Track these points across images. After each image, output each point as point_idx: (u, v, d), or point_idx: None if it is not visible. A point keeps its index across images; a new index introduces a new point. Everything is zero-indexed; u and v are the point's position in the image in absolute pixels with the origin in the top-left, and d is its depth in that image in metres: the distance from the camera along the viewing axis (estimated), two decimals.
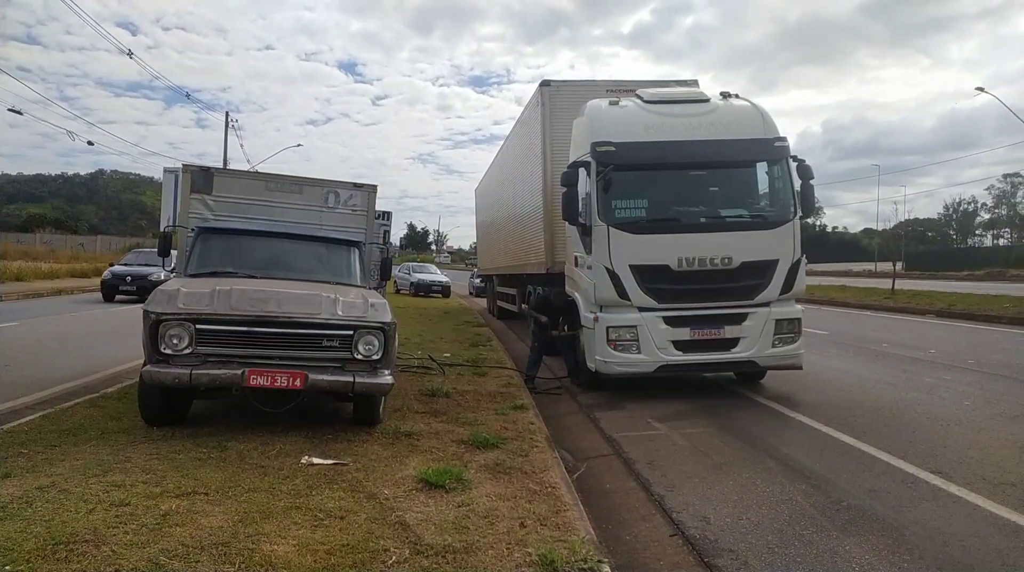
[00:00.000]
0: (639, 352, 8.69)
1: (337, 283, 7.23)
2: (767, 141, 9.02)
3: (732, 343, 8.77)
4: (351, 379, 5.93)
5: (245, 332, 5.81)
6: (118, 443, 5.63)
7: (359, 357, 6.04)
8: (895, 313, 21.89)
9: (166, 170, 15.40)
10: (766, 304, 8.81)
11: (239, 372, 5.69)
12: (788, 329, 8.87)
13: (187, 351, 5.70)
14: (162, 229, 7.93)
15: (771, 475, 5.73)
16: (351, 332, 6.02)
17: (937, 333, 16.00)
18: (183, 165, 8.23)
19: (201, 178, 8.12)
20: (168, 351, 5.68)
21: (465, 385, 9.24)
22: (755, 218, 8.98)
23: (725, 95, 9.75)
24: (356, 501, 4.57)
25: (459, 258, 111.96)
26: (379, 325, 6.10)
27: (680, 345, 8.73)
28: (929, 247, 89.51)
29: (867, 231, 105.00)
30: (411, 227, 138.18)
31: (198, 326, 5.71)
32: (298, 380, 5.79)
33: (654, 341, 8.66)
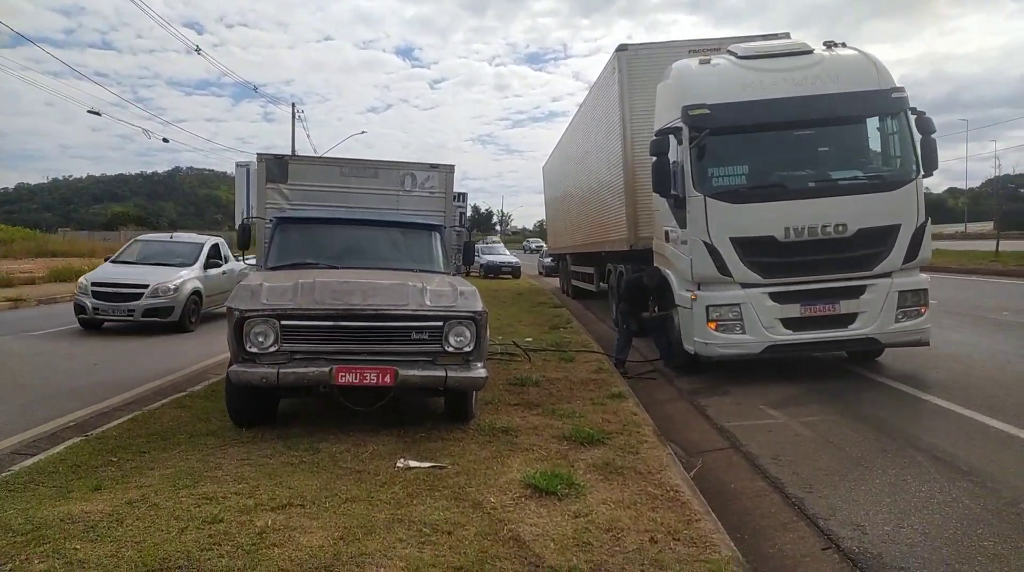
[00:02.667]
0: (743, 332, 7.99)
1: (420, 270, 6.81)
2: (883, 92, 8.10)
3: (849, 319, 7.97)
4: (443, 374, 5.50)
5: (331, 327, 5.44)
6: (208, 447, 5.35)
7: (450, 350, 5.60)
8: (1005, 277, 20.26)
9: (238, 164, 15.47)
10: (887, 274, 7.96)
11: (327, 369, 5.33)
12: (913, 301, 8.01)
13: (273, 349, 5.37)
14: (239, 222, 7.67)
15: (922, 471, 5.02)
16: (441, 323, 5.58)
17: None
18: (257, 154, 7.95)
19: (276, 167, 7.81)
20: (254, 349, 5.36)
21: (553, 372, 8.74)
22: (872, 179, 8.11)
23: (829, 44, 8.83)
24: (462, 511, 4.13)
25: (517, 238, 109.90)
26: (470, 315, 5.64)
27: (789, 323, 7.99)
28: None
29: (952, 191, 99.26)
30: (475, 209, 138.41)
31: (283, 322, 5.37)
32: (388, 376, 5.39)
33: (760, 320, 7.94)
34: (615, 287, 13.77)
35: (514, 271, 33.09)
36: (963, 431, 5.94)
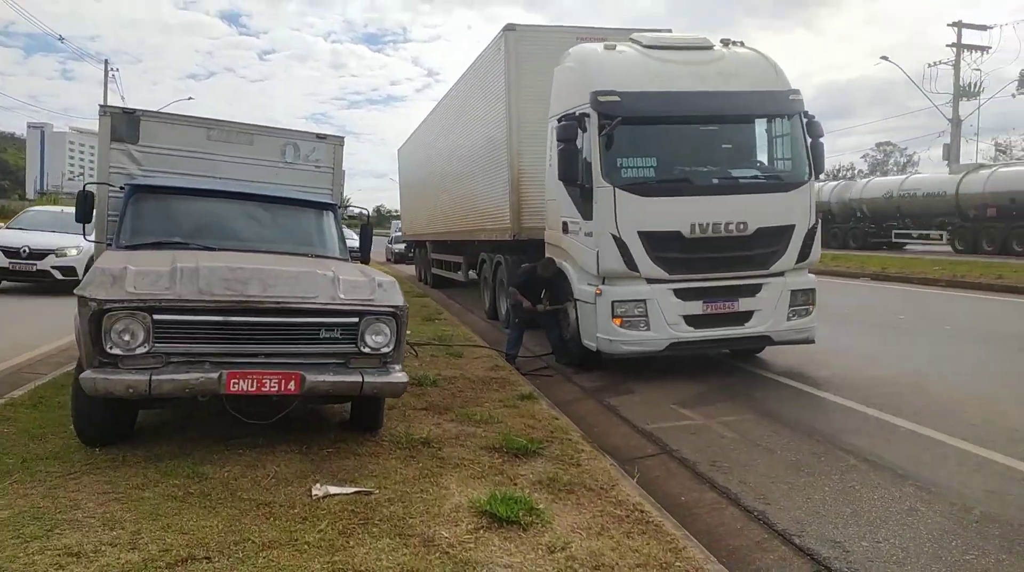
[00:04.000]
0: (648, 329, 7.75)
1: (315, 256, 5.87)
2: (782, 94, 8.17)
3: (746, 317, 7.98)
4: (359, 379, 4.67)
5: (220, 323, 4.42)
6: (53, 476, 4.16)
7: (366, 351, 4.78)
8: (825, 276, 21.90)
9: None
10: (780, 274, 8.05)
11: (215, 376, 4.31)
12: (803, 301, 8.16)
13: (142, 350, 4.26)
14: (82, 188, 6.24)
15: (863, 476, 4.92)
16: (356, 319, 4.74)
17: (873, 296, 16.03)
18: (101, 106, 6.55)
19: (124, 124, 6.49)
20: (116, 351, 4.22)
21: (447, 369, 8.07)
22: (770, 179, 8.15)
23: (726, 42, 8.81)
24: (414, 553, 3.40)
25: (355, 222, 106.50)
26: (390, 310, 4.84)
27: (692, 320, 7.85)
28: None
29: None
30: None
31: (156, 317, 4.27)
32: (292, 383, 4.48)
33: (664, 316, 7.74)
34: (490, 278, 13.28)
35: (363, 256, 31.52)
36: (877, 431, 5.99)
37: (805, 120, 8.23)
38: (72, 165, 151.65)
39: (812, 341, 8.32)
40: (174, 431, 5.16)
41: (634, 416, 6.60)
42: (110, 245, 6.20)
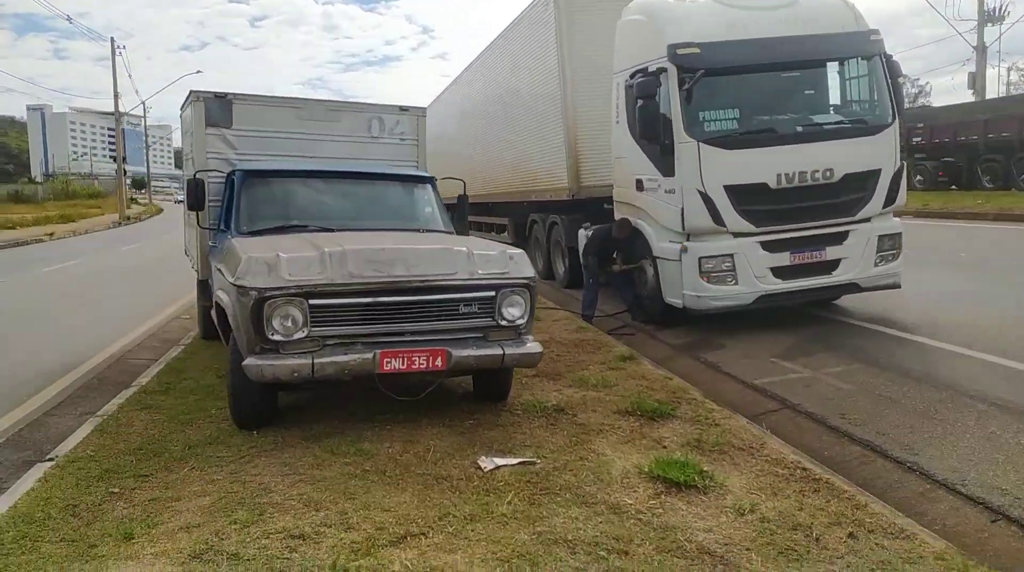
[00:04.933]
0: (736, 282, 7.75)
1: (425, 230, 5.90)
2: (862, 35, 7.99)
3: (834, 265, 7.95)
4: (500, 352, 4.74)
5: (369, 304, 4.48)
6: (225, 461, 4.28)
7: (503, 323, 4.83)
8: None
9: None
10: (867, 219, 7.99)
11: (370, 356, 4.40)
12: (890, 246, 8.11)
13: (300, 335, 4.34)
14: (192, 175, 6.23)
15: (999, 421, 4.94)
16: (493, 293, 4.78)
17: (924, 234, 15.89)
18: (192, 92, 6.52)
19: (218, 108, 6.47)
20: (277, 337, 4.30)
21: (535, 334, 8.10)
22: (855, 124, 8.03)
23: None
24: (609, 521, 3.50)
25: None
26: (524, 281, 4.89)
27: (779, 272, 7.83)
28: None
29: None
30: None
31: (312, 301, 4.33)
32: (439, 359, 4.56)
33: (752, 269, 7.73)
34: (543, 239, 13.26)
35: None
36: (988, 374, 6.00)
37: (885, 60, 8.07)
38: (75, 146, 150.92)
39: (899, 286, 8.29)
40: (315, 411, 5.26)
41: (739, 372, 6.64)
42: (218, 230, 6.26)
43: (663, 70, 7.75)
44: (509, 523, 3.45)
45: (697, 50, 7.58)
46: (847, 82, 8.24)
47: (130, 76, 58.47)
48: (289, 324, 4.30)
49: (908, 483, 4.24)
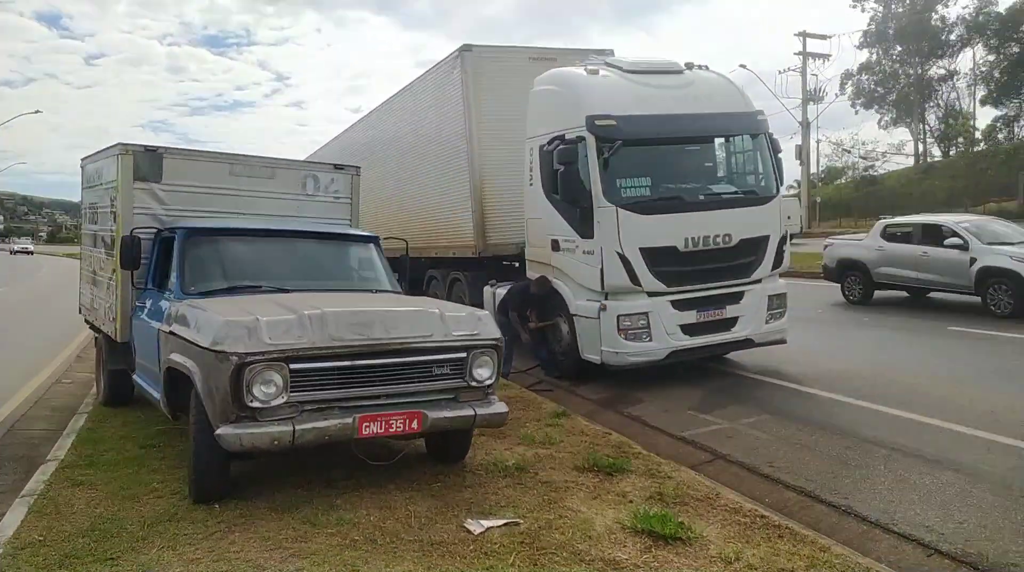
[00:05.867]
0: (651, 339, 8.26)
1: (377, 291, 5.91)
2: (751, 114, 8.95)
3: (732, 322, 8.67)
4: (472, 412, 4.85)
5: (348, 367, 4.44)
6: (195, 537, 4.04)
7: (474, 384, 4.94)
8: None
9: None
10: (758, 281, 8.81)
11: (350, 420, 4.36)
12: (778, 304, 8.97)
13: (279, 401, 4.22)
14: (125, 233, 5.86)
15: (904, 465, 5.60)
16: (465, 354, 4.88)
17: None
18: (120, 145, 6.18)
19: (147, 162, 6.19)
20: (256, 404, 4.16)
21: None
22: (747, 194, 8.89)
23: (690, 66, 9.48)
24: None
25: None
26: (493, 342, 5.04)
27: (687, 329, 8.44)
28: None
29: None
30: None
31: (292, 366, 4.24)
32: (415, 421, 4.60)
33: (664, 326, 8.28)
34: (443, 297, 13.34)
35: None
36: (880, 421, 6.75)
37: (769, 138, 9.06)
38: None
39: (785, 341, 9.15)
40: (269, 480, 5.05)
41: (664, 424, 7.05)
42: (144, 290, 5.93)
43: (581, 138, 8.26)
44: None
45: (613, 122, 8.16)
46: (739, 156, 9.14)
47: None
48: (270, 390, 4.18)
49: (847, 525, 4.72)
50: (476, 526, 4.24)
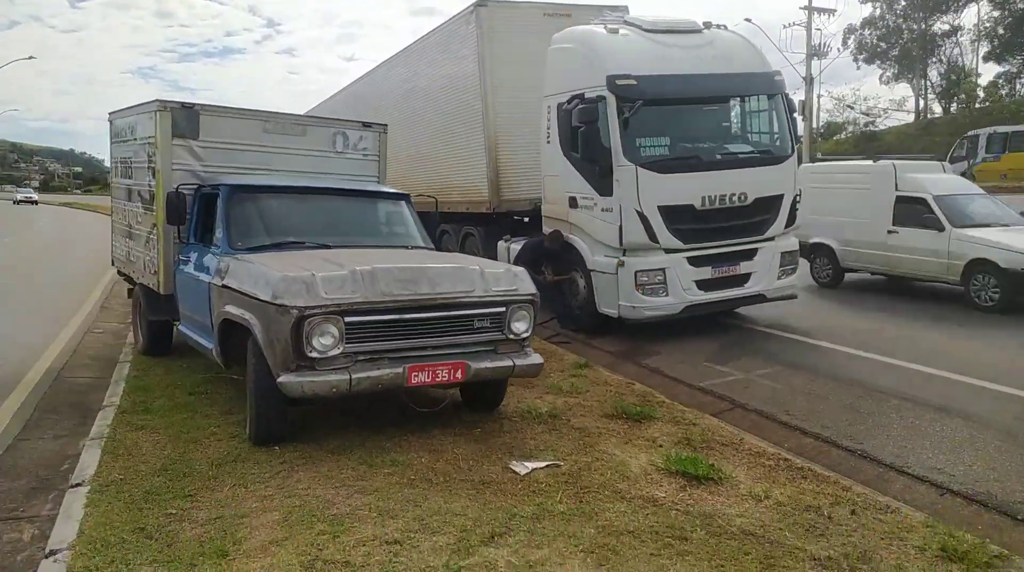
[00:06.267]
0: (667, 294, 8.52)
1: (412, 247, 6.13)
2: (768, 75, 9.06)
3: (746, 278, 8.92)
4: (511, 363, 5.12)
5: (397, 320, 4.70)
6: (262, 477, 4.35)
7: (511, 337, 5.20)
8: None
9: None
10: (772, 238, 9.04)
11: (400, 370, 4.63)
12: (790, 261, 9.22)
13: (336, 351, 4.48)
14: (170, 189, 6.04)
15: (915, 413, 5.90)
16: (504, 309, 5.14)
17: None
18: (158, 102, 6.31)
19: (185, 119, 6.34)
20: (314, 354, 4.43)
21: None
22: (764, 153, 9.05)
23: (708, 25, 9.54)
24: (654, 513, 3.98)
25: None
26: (529, 298, 5.28)
27: (702, 284, 8.69)
28: None
29: None
30: None
31: (347, 319, 4.49)
32: (459, 371, 4.87)
33: (680, 282, 8.54)
34: (455, 251, 13.55)
35: None
36: (889, 372, 7.07)
37: (785, 98, 9.19)
38: None
39: (796, 297, 9.44)
40: (322, 427, 5.32)
41: (682, 375, 7.36)
42: (187, 245, 6.15)
43: (602, 98, 8.37)
44: (571, 520, 3.84)
45: (634, 81, 8.27)
46: (756, 116, 9.28)
47: None
48: (327, 341, 4.44)
49: (864, 468, 5.05)
50: (521, 467, 4.55)
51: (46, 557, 3.38)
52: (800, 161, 9.67)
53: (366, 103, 18.18)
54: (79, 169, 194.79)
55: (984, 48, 53.20)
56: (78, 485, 4.20)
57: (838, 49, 56.85)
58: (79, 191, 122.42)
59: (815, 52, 48.87)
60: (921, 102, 61.02)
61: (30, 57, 59.64)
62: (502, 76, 11.10)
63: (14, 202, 62.65)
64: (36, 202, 64.14)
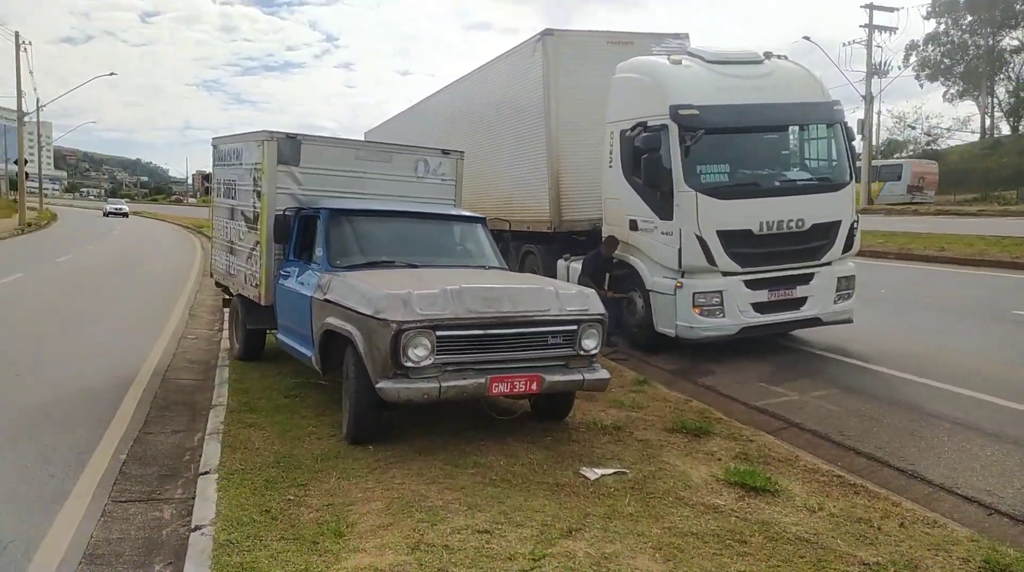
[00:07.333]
0: (724, 316, 8.86)
1: (490, 267, 6.66)
2: (827, 104, 9.36)
3: (802, 302, 9.20)
4: (580, 377, 5.59)
5: (481, 335, 5.22)
6: (362, 472, 4.91)
7: (582, 353, 5.67)
8: None
9: None
10: (829, 263, 9.30)
11: (483, 380, 5.15)
12: (847, 286, 9.45)
13: (428, 362, 5.03)
14: (278, 211, 6.75)
15: (966, 437, 6.13)
16: (575, 327, 5.61)
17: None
18: (266, 132, 7.01)
19: (288, 148, 7.01)
20: (409, 364, 4.98)
21: None
22: (821, 181, 9.35)
23: (768, 55, 9.89)
24: (715, 519, 4.37)
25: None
26: (599, 317, 5.75)
27: (758, 307, 9.01)
28: None
29: None
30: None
31: (439, 333, 5.04)
32: (535, 383, 5.36)
33: (737, 304, 8.87)
34: (516, 268, 14.07)
35: None
36: (943, 397, 7.25)
37: (844, 128, 9.47)
38: None
39: (851, 321, 9.66)
40: (406, 431, 5.86)
41: (738, 394, 7.70)
42: (287, 261, 6.80)
43: (664, 126, 8.80)
44: (639, 520, 4.27)
45: (696, 111, 8.69)
46: (814, 144, 9.59)
47: (31, 73, 52.78)
48: (421, 352, 4.99)
49: (914, 487, 5.34)
50: (591, 473, 5.00)
51: (193, 531, 3.97)
52: (861, 178, 9.90)
53: (429, 124, 18.93)
54: (145, 178, 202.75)
55: None
56: (207, 473, 4.81)
57: (899, 67, 56.02)
58: (145, 200, 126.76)
59: (875, 70, 48.38)
60: (987, 120, 59.49)
61: (111, 74, 62.72)
62: (565, 101, 11.62)
63: (104, 214, 60.52)
64: (127, 214, 60.61)
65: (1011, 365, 8.44)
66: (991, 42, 56.69)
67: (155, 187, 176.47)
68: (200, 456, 5.28)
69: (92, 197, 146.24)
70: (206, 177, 47.98)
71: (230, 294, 8.55)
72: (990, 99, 59.32)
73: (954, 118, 65.14)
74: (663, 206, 8.98)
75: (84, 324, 10.92)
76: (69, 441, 5.75)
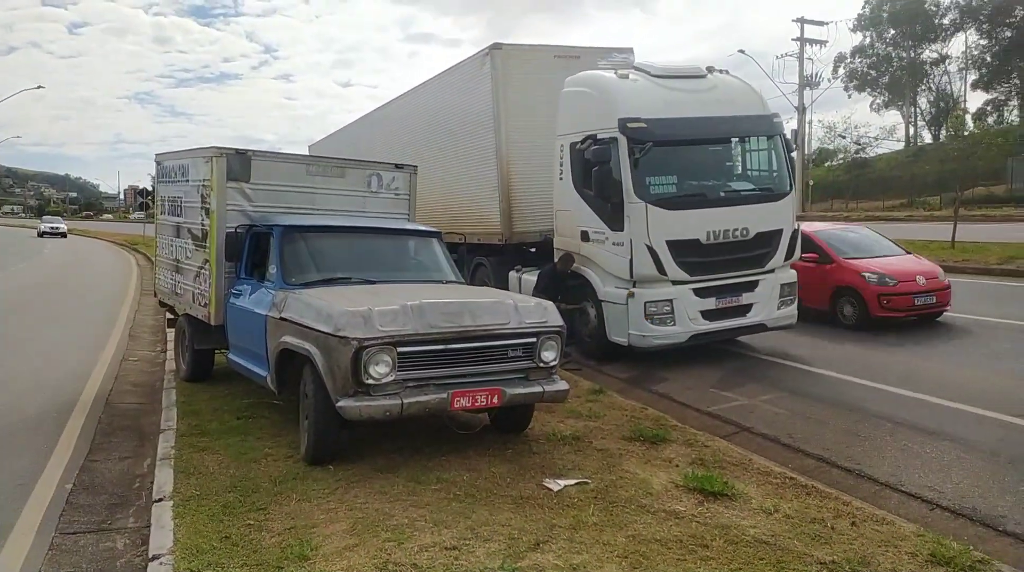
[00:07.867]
0: (674, 324, 9.06)
1: (447, 282, 6.67)
2: (768, 117, 9.71)
3: (747, 309, 9.47)
4: (540, 389, 5.65)
5: (442, 350, 5.22)
6: (322, 493, 4.84)
7: (541, 365, 5.72)
8: None
9: None
10: (771, 270, 9.60)
11: (445, 395, 5.15)
12: (788, 292, 9.78)
13: (389, 379, 5.00)
14: (229, 229, 6.60)
15: (907, 436, 6.40)
16: (535, 339, 5.67)
17: None
18: (215, 148, 6.87)
19: (238, 163, 6.89)
20: (370, 381, 4.94)
21: None
22: (764, 191, 9.66)
23: (711, 69, 10.20)
24: (677, 525, 4.47)
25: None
26: (558, 329, 5.81)
27: (707, 314, 9.24)
28: None
29: None
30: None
31: (400, 349, 5.02)
32: (496, 397, 5.39)
33: (687, 312, 9.08)
34: (466, 277, 14.09)
35: None
36: (883, 398, 7.57)
37: (784, 139, 9.82)
38: None
39: (793, 326, 9.99)
40: (365, 448, 5.80)
41: (691, 401, 7.87)
42: (238, 279, 6.67)
43: (614, 139, 8.97)
44: (604, 530, 4.33)
45: (644, 124, 8.89)
46: (756, 156, 9.90)
47: None
48: (382, 369, 4.96)
49: (861, 486, 5.55)
50: (554, 484, 5.04)
51: (152, 560, 3.85)
52: (796, 186, 10.25)
53: (376, 138, 18.80)
54: (75, 194, 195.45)
55: (972, 76, 54.58)
56: (160, 500, 4.68)
57: (828, 80, 58.18)
58: (73, 216, 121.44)
59: (807, 82, 50.20)
60: (911, 129, 62.28)
61: (38, 87, 60.37)
62: (514, 114, 11.73)
63: (39, 234, 54.53)
64: (65, 234, 54.80)
65: (949, 365, 8.81)
66: (913, 54, 59.47)
67: (85, 203, 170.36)
68: (151, 483, 5.14)
69: (21, 215, 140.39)
70: (139, 192, 45.68)
71: (175, 314, 8.33)
72: (913, 109, 62.17)
73: (881, 127, 68.03)
74: (614, 217, 9.14)
75: (19, 345, 10.49)
76: (10, 471, 5.52)
